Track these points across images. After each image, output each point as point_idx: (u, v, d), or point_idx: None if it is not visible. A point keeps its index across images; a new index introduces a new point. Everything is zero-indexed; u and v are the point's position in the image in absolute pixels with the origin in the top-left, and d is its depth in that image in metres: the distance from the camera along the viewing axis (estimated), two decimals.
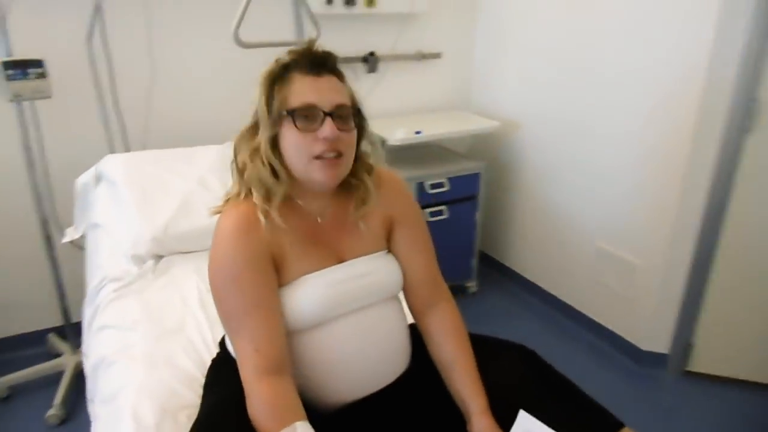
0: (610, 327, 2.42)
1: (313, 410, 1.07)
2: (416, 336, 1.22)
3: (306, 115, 1.01)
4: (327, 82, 1.03)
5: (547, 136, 2.59)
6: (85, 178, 1.87)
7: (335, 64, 1.07)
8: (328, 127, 1.00)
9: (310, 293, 1.06)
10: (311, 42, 1.07)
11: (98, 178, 1.86)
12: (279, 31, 2.00)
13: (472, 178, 2.62)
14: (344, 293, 1.09)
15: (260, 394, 0.96)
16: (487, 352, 1.19)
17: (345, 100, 1.04)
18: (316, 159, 1.02)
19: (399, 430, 1.10)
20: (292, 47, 1.07)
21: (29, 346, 2.29)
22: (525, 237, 2.85)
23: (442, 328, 1.18)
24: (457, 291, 2.82)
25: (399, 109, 2.78)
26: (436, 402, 1.14)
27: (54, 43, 1.95)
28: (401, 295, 1.23)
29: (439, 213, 2.56)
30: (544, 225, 2.69)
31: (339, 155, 1.03)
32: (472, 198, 2.65)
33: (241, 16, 1.65)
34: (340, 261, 1.12)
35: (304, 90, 1.02)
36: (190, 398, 1.23)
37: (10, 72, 1.72)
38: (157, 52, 2.14)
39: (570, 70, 2.40)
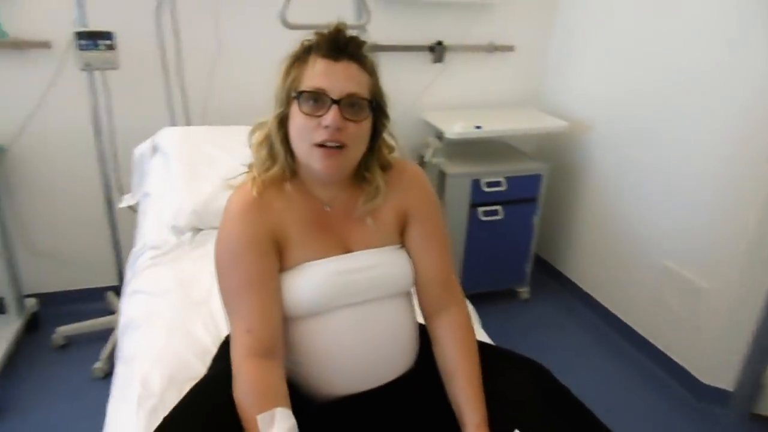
0: (670, 354, 2.23)
1: (306, 400, 1.05)
2: (427, 337, 1.16)
3: (314, 99, 0.98)
4: (344, 68, 0.99)
5: (618, 141, 2.41)
6: (142, 148, 1.95)
7: (358, 50, 1.02)
8: (331, 115, 0.97)
9: (310, 280, 1.04)
10: (339, 25, 1.03)
11: (154, 149, 1.94)
12: (339, 14, 1.98)
13: (533, 180, 2.49)
14: (346, 284, 1.05)
15: (246, 376, 0.95)
16: (497, 365, 1.11)
17: (359, 89, 1.00)
18: (317, 147, 0.99)
19: (391, 430, 1.05)
20: (319, 29, 1.05)
21: (90, 301, 2.44)
22: (585, 245, 2.68)
23: (449, 332, 1.12)
24: (508, 296, 2.71)
25: (462, 102, 2.69)
26: (434, 408, 1.09)
27: (125, 16, 2.04)
28: (415, 294, 1.18)
29: (494, 213, 2.46)
30: (606, 235, 2.52)
31: (341, 146, 1.00)
32: (531, 200, 2.52)
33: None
34: (347, 251, 1.09)
35: (316, 73, 0.99)
36: (200, 370, 1.25)
37: (83, 42, 1.82)
38: (223, 29, 2.19)
39: (648, 72, 2.21)
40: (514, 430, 0.95)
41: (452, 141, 2.35)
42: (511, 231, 2.54)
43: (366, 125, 1.03)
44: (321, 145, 0.98)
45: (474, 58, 2.63)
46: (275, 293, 1.02)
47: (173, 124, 2.18)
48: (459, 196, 2.40)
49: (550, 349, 2.37)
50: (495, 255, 2.57)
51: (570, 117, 2.59)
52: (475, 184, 2.40)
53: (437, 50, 2.54)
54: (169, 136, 1.91)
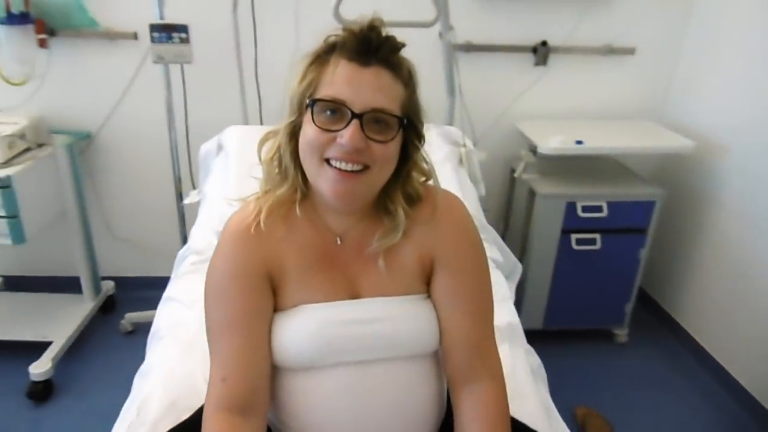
0: None
1: None
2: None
3: (332, 110, 0.80)
4: (373, 75, 0.80)
5: (760, 169, 1.96)
6: (207, 146, 1.90)
7: (393, 54, 0.83)
8: (349, 132, 0.78)
9: (303, 327, 0.86)
10: (374, 20, 0.83)
11: (219, 147, 1.87)
12: (419, 10, 1.77)
13: (644, 207, 2.12)
14: (347, 337, 0.86)
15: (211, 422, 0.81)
16: None
17: (389, 103, 0.81)
18: (329, 166, 0.81)
19: None
20: (349, 25, 0.86)
21: (161, 289, 2.47)
22: (703, 288, 2.24)
23: (473, 411, 0.88)
24: (601, 337, 2.35)
25: (565, 112, 2.36)
26: None
27: (203, 10, 1.99)
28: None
29: (590, 242, 2.12)
30: (731, 279, 2.07)
31: (361, 169, 0.81)
32: (639, 231, 2.15)
33: None
34: (354, 297, 0.90)
35: (338, 79, 0.80)
36: (203, 400, 1.14)
37: (156, 35, 1.79)
38: (303, 25, 2.08)
39: None
40: None
41: (547, 156, 2.06)
42: (610, 264, 2.19)
43: (394, 146, 0.83)
44: (334, 166, 0.80)
45: (584, 61, 2.29)
46: (260, 338, 0.86)
47: (246, 122, 2.11)
48: (549, 219, 2.10)
49: (644, 408, 2.00)
50: (588, 289, 2.23)
51: (699, 136, 2.17)
52: (570, 207, 2.08)
53: (540, 51, 2.24)
54: (232, 135, 1.83)
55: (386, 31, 0.84)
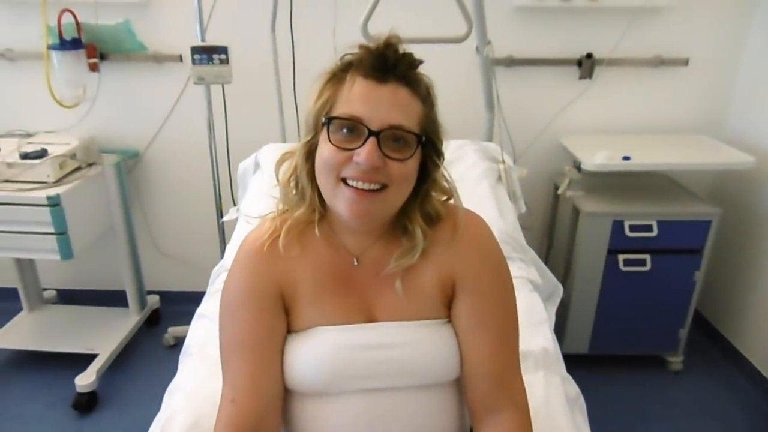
0: None
1: None
2: None
3: (349, 128, 0.78)
4: (390, 93, 0.78)
5: None
6: (245, 164, 1.92)
7: (411, 70, 0.81)
8: (366, 150, 0.76)
9: (314, 351, 0.84)
10: (391, 38, 0.81)
11: (256, 165, 1.89)
12: (455, 25, 1.74)
13: (698, 227, 1.99)
14: (361, 363, 0.84)
15: None
16: None
17: (407, 120, 0.79)
18: (345, 185, 0.79)
19: None
20: (363, 43, 0.84)
21: None
22: (766, 315, 2.08)
23: None
24: (653, 364, 2.22)
25: (612, 126, 2.26)
26: None
27: (243, 31, 2.03)
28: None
29: (639, 263, 2.01)
30: None
31: (380, 188, 0.79)
32: (693, 251, 2.02)
33: (371, 9, 1.50)
34: (370, 320, 0.87)
35: (354, 97, 0.79)
36: None
37: (197, 56, 1.84)
38: (340, 44, 2.08)
39: None
40: None
41: (592, 172, 1.97)
42: (662, 286, 2.06)
43: (412, 165, 0.81)
44: (351, 185, 0.78)
45: (632, 73, 2.19)
46: (272, 360, 0.84)
47: (284, 139, 2.13)
48: (595, 238, 2.00)
49: None
50: (638, 312, 2.11)
51: (760, 151, 2.03)
52: (617, 226, 1.98)
53: (585, 64, 2.16)
54: (269, 153, 1.85)
55: (404, 48, 0.82)
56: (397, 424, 0.84)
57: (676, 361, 2.19)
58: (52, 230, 1.84)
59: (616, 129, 2.26)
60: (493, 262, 0.89)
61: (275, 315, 0.86)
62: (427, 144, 0.83)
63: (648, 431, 1.89)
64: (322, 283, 0.87)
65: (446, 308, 0.88)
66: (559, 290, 1.69)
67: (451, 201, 0.92)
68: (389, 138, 0.78)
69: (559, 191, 2.13)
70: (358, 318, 0.87)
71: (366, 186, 0.78)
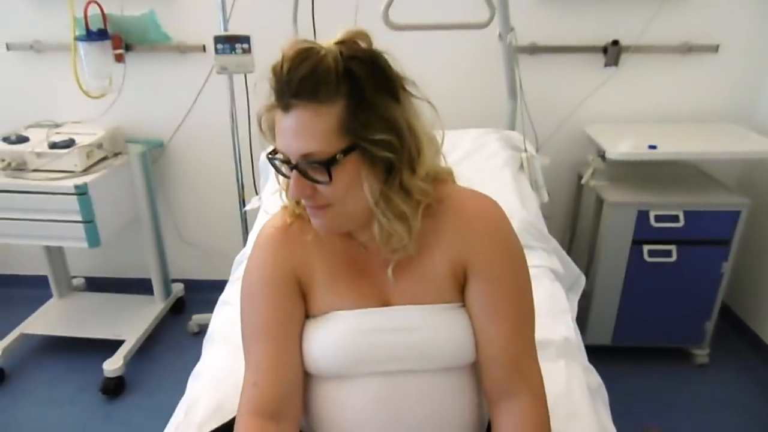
0: None
1: None
2: None
3: (284, 161, 0.79)
4: (295, 120, 0.74)
5: None
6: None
7: (312, 85, 0.73)
8: (291, 185, 0.78)
9: (331, 335, 0.85)
10: (291, 51, 0.75)
11: None
12: (477, 11, 1.71)
13: (727, 217, 1.94)
14: (376, 346, 0.84)
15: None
16: None
17: (314, 144, 0.74)
18: None
19: None
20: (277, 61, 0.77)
21: None
22: None
23: (510, 427, 0.83)
24: (678, 357, 2.18)
25: (638, 114, 2.21)
26: None
27: (263, 21, 2.03)
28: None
29: (665, 254, 1.97)
30: None
31: (326, 204, 0.80)
32: (721, 243, 1.97)
33: None
34: (384, 305, 0.87)
35: (278, 131, 0.78)
36: None
37: (219, 46, 1.85)
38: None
39: None
40: None
41: (617, 162, 1.94)
42: (688, 278, 2.02)
43: (341, 183, 0.77)
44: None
45: (659, 60, 2.14)
46: (291, 344, 0.86)
47: None
48: (619, 229, 1.97)
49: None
50: (663, 304, 2.07)
51: None
52: (642, 216, 1.94)
53: (611, 51, 2.12)
54: None
55: (317, 56, 0.74)
56: (415, 407, 0.84)
57: (701, 354, 2.15)
58: (79, 218, 1.88)
59: (643, 118, 2.21)
60: (506, 245, 0.87)
61: (293, 300, 0.87)
62: (364, 143, 0.75)
63: (671, 425, 1.86)
64: (336, 268, 0.88)
65: (460, 293, 0.87)
66: (582, 280, 1.67)
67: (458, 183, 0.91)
68: (306, 167, 0.76)
69: (583, 181, 2.10)
70: (373, 302, 0.87)
71: (313, 207, 0.81)
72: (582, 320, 2.00)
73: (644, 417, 1.89)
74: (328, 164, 0.75)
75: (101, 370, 2.04)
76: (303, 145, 0.75)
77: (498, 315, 0.85)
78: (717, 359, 2.16)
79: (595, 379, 1.29)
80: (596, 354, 1.39)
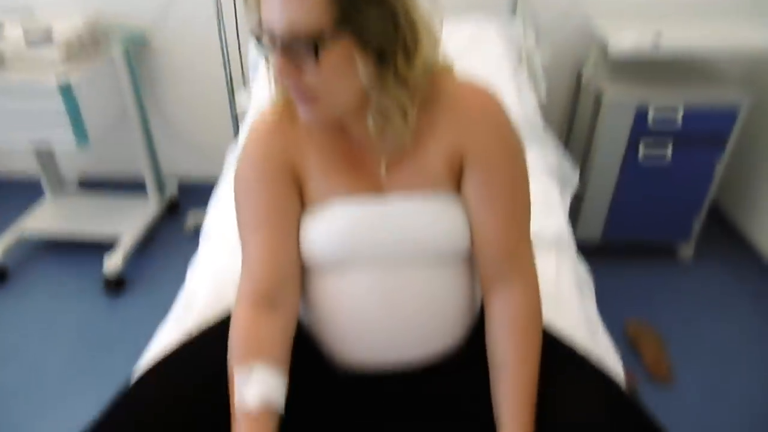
0: None
1: (327, 369, 0.92)
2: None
3: (270, 41, 0.73)
4: None
5: None
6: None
7: None
8: (277, 67, 0.73)
9: (327, 223, 0.86)
10: None
11: None
12: None
13: (725, 115, 1.91)
14: (373, 234, 0.85)
15: (237, 323, 0.84)
16: (560, 368, 0.85)
17: (300, 19, 0.69)
18: None
19: (414, 426, 0.87)
20: None
21: None
22: None
23: (504, 315, 0.86)
24: (663, 253, 2.24)
25: (647, 8, 2.11)
26: (474, 407, 0.87)
27: None
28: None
29: (661, 152, 1.96)
30: None
31: (310, 98, 0.76)
32: (717, 142, 1.96)
33: None
34: (379, 192, 0.87)
35: None
36: None
37: None
38: None
39: None
40: None
41: (619, 57, 1.87)
42: (681, 177, 2.03)
43: (331, 67, 0.72)
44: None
45: None
46: (288, 234, 0.86)
47: None
48: (616, 127, 1.94)
49: (702, 327, 1.93)
50: (654, 203, 2.09)
51: None
52: (641, 114, 1.91)
53: None
54: None
55: None
56: (412, 296, 0.87)
57: (686, 250, 2.21)
58: (66, 117, 1.83)
59: (648, 7, 2.11)
60: (502, 135, 0.85)
61: (288, 190, 0.87)
62: (353, 25, 0.70)
63: (654, 316, 1.95)
64: (330, 159, 0.87)
65: (455, 183, 0.87)
66: (576, 179, 1.68)
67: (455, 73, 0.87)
68: (288, 46, 0.71)
69: (583, 78, 2.04)
70: (368, 190, 0.87)
71: (299, 97, 0.77)
72: (573, 218, 2.02)
73: (627, 311, 1.97)
74: (315, 42, 0.70)
75: (101, 268, 2.08)
76: (290, 17, 0.69)
77: (494, 204, 0.85)
78: (701, 257, 2.23)
79: (584, 271, 1.34)
80: (585, 251, 1.43)
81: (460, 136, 0.83)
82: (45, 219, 2.31)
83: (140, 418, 0.79)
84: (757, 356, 1.83)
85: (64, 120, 1.84)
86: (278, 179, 0.86)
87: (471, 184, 0.85)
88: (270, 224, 0.85)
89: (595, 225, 2.16)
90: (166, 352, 0.88)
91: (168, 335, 1.10)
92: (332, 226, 0.85)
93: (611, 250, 2.20)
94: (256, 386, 0.76)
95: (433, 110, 0.83)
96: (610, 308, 1.38)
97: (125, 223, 2.26)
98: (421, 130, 0.83)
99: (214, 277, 1.24)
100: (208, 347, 0.89)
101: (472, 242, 0.87)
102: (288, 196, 0.87)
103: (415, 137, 0.83)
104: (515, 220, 0.87)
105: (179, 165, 2.56)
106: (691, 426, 1.59)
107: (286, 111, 0.87)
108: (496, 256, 0.86)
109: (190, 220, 2.39)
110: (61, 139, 1.89)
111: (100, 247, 2.17)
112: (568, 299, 1.18)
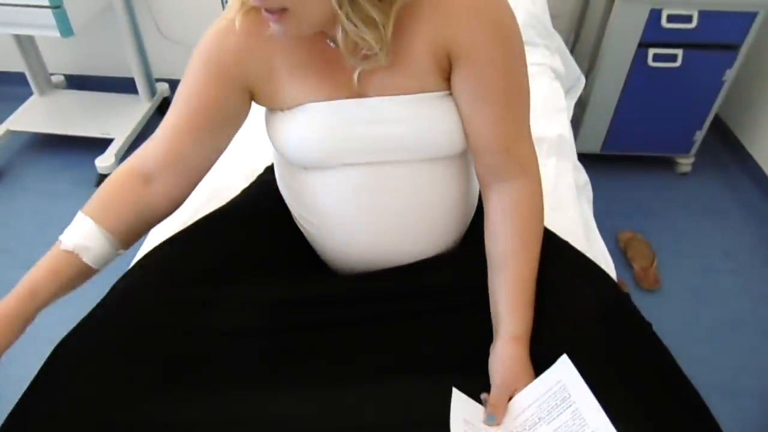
0: None
1: (323, 268, 0.92)
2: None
3: None
4: None
5: None
6: None
7: None
8: None
9: (306, 128, 0.81)
10: None
11: None
12: None
13: (741, 19, 1.82)
14: (355, 139, 0.81)
15: (108, 179, 0.84)
16: (556, 261, 0.85)
17: None
18: None
19: (401, 325, 0.85)
20: None
21: None
22: None
23: (503, 207, 0.83)
24: (662, 165, 2.23)
25: None
26: (468, 302, 0.85)
27: None
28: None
29: (670, 58, 1.89)
30: None
31: (281, 9, 0.69)
32: (730, 47, 1.88)
33: None
34: (360, 96, 0.81)
35: None
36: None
37: None
38: None
39: None
40: (562, 354, 0.72)
41: None
42: (688, 85, 1.97)
43: None
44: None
45: None
46: (206, 130, 0.83)
47: None
48: (626, 30, 1.86)
49: (693, 238, 1.96)
50: (659, 112, 2.05)
51: None
52: (654, 16, 1.82)
53: None
54: None
55: None
56: (401, 196, 0.84)
57: (685, 162, 2.20)
58: (47, 3, 1.72)
59: None
60: (493, 24, 0.77)
61: (230, 92, 0.82)
62: None
63: (647, 226, 1.96)
64: (302, 60, 0.81)
65: (445, 81, 0.81)
66: (581, 82, 1.63)
67: None
68: None
69: None
70: (347, 94, 0.81)
71: (265, 7, 0.69)
72: (575, 126, 1.99)
73: (621, 224, 1.98)
74: None
75: (94, 166, 2.05)
76: None
77: (486, 101, 0.79)
78: (699, 168, 2.22)
79: (582, 176, 1.33)
80: (585, 161, 1.40)
81: (446, 27, 0.76)
82: (34, 115, 2.25)
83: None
84: (745, 266, 1.87)
85: (47, 10, 1.73)
86: (223, 74, 0.81)
87: (461, 80, 0.79)
88: (191, 108, 0.82)
89: (596, 135, 2.12)
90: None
91: (159, 231, 1.09)
92: (311, 129, 0.81)
93: (611, 161, 2.18)
94: (79, 234, 0.78)
95: (416, 3, 0.75)
96: (604, 219, 1.38)
97: (116, 122, 2.21)
98: (401, 24, 0.75)
99: (209, 175, 1.21)
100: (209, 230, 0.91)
101: (468, 142, 0.83)
102: (226, 97, 0.82)
103: (396, 36, 0.75)
104: (510, 117, 0.81)
105: (169, 65, 2.46)
106: (674, 329, 1.65)
107: (255, 14, 0.79)
108: (493, 155, 0.82)
109: None
110: (44, 27, 1.78)
111: (91, 146, 2.14)
112: (566, 202, 1.17)
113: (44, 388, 0.71)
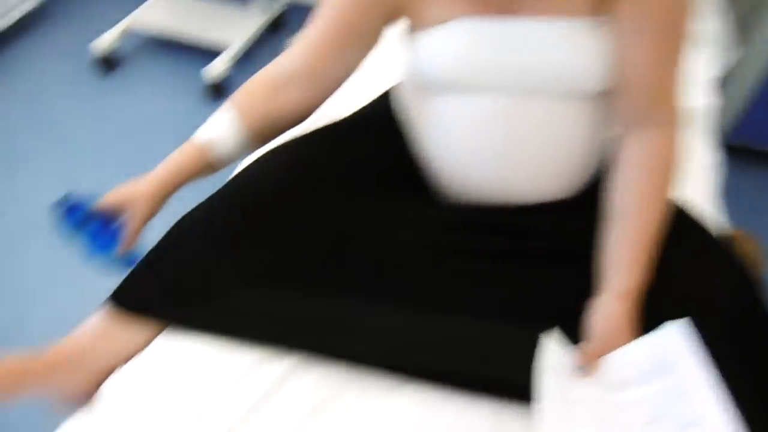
0: None
1: (433, 196, 0.90)
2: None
3: None
4: None
5: None
6: None
7: None
8: None
9: (448, 42, 0.78)
10: None
11: None
12: None
13: None
14: (500, 58, 0.76)
15: (252, 78, 0.87)
16: (688, 241, 0.78)
17: None
18: None
19: (506, 263, 0.82)
20: None
21: None
22: None
23: (634, 156, 0.78)
24: None
25: None
26: (574, 253, 0.81)
27: None
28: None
29: None
30: None
31: None
32: None
33: None
34: (508, 13, 0.76)
35: None
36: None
37: None
38: None
39: None
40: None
41: None
42: None
43: None
44: None
45: None
46: (345, 46, 0.83)
47: None
48: None
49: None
50: None
51: None
52: None
53: None
54: None
55: None
56: (535, 131, 0.79)
57: None
58: None
59: None
60: None
61: (376, 13, 0.81)
62: None
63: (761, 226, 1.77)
64: None
65: (603, 13, 0.75)
66: (734, 53, 1.45)
67: None
68: None
69: None
70: (495, 8, 0.76)
71: None
72: None
73: (738, 219, 1.79)
74: None
75: (200, 74, 2.09)
76: None
77: (643, 37, 0.73)
78: None
79: (717, 156, 1.20)
80: None
81: None
82: (155, 15, 2.30)
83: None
84: None
85: None
86: (369, 4, 0.80)
87: (620, 14, 0.73)
88: (336, 31, 0.82)
89: (724, 120, 1.89)
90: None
91: None
92: (454, 43, 0.77)
93: (737, 153, 1.96)
94: (217, 126, 0.82)
95: None
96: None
97: (231, 31, 2.23)
98: None
99: None
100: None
101: (616, 80, 0.76)
102: (369, 23, 0.82)
103: None
104: (666, 56, 0.75)
105: None
106: None
107: None
108: (639, 96, 0.77)
109: (292, 41, 2.31)
110: None
111: (203, 52, 2.17)
112: (697, 174, 1.06)
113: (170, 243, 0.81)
